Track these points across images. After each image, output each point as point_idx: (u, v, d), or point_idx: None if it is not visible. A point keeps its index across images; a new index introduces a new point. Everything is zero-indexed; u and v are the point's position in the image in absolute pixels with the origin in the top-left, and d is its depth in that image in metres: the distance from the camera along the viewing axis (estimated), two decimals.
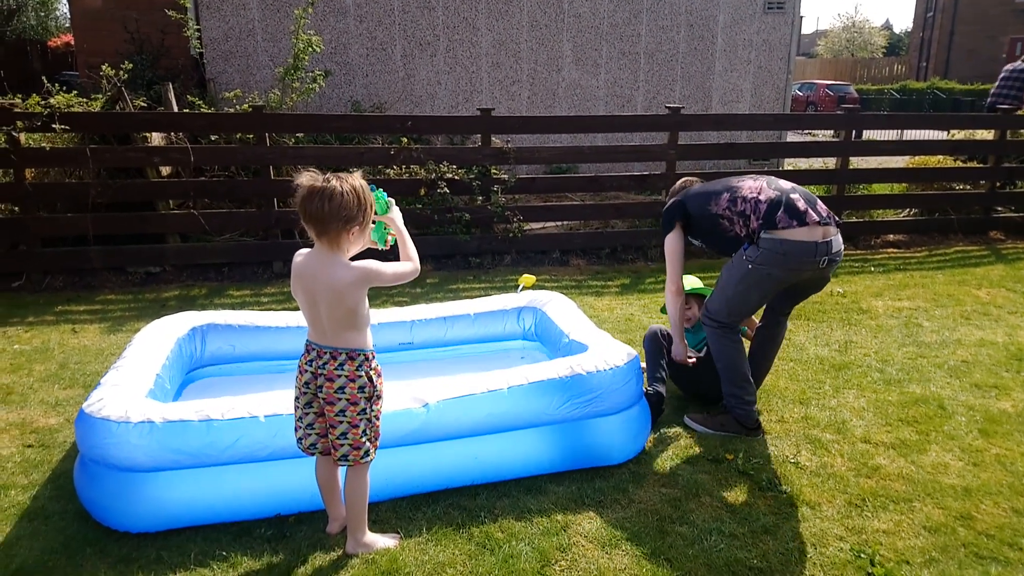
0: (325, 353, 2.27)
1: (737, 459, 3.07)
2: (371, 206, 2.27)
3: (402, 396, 2.72)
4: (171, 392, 3.16)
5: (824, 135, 14.41)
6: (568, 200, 7.50)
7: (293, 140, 6.48)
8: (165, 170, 6.18)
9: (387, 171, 6.34)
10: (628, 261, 6.65)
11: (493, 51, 8.36)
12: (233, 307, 5.27)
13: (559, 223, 6.98)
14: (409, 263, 2.39)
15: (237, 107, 6.41)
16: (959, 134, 8.54)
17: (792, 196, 3.06)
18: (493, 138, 6.30)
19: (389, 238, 2.49)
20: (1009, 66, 9.13)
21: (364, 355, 2.30)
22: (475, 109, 8.29)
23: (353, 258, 2.28)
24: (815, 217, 3.00)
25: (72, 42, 12.77)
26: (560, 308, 3.82)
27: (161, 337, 3.30)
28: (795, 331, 4.78)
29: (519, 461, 2.87)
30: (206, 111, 6.37)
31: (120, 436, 2.44)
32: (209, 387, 3.51)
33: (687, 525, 2.61)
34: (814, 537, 2.57)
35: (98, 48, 7.98)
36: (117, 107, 6.20)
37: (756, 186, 3.15)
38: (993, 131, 7.53)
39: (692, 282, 3.96)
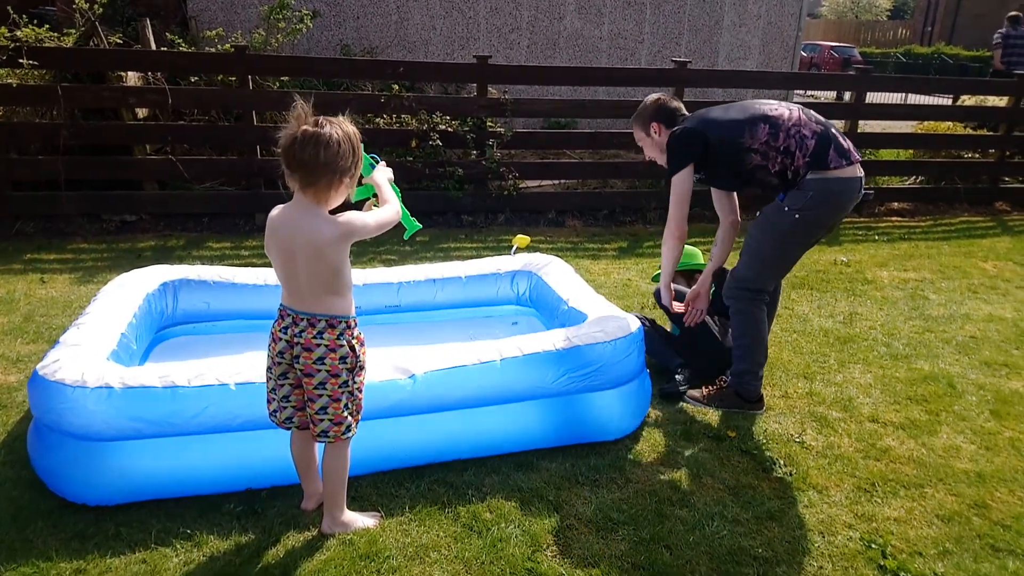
0: (302, 320, 2.05)
1: (740, 437, 2.91)
2: (361, 154, 2.04)
3: (386, 366, 2.52)
4: (138, 353, 2.95)
5: (826, 97, 14.06)
6: (565, 157, 7.21)
7: (278, 84, 6.14)
8: (141, 112, 5.84)
9: (376, 120, 6.02)
10: (626, 223, 6.41)
11: None
12: (212, 260, 5.03)
13: (555, 182, 6.71)
14: (389, 207, 2.18)
15: (219, 47, 6.05)
16: (969, 100, 8.27)
17: (834, 131, 2.84)
18: (490, 88, 5.98)
19: (372, 201, 2.29)
20: (1003, 30, 8.95)
21: (346, 322, 2.08)
22: (471, 57, 7.96)
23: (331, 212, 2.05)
24: (857, 156, 2.84)
25: None
26: (558, 273, 3.60)
27: (129, 292, 3.07)
28: (798, 301, 4.61)
29: (510, 435, 2.69)
30: (185, 50, 6.00)
31: (75, 401, 2.23)
32: (180, 347, 3.30)
33: (687, 508, 2.45)
34: (822, 524, 2.42)
35: None
36: (91, 44, 5.83)
37: (795, 117, 2.81)
38: (1006, 97, 7.26)
39: (690, 254, 3.74)
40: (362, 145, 2.04)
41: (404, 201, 2.29)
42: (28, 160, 5.40)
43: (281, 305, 2.12)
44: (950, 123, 7.62)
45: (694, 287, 3.33)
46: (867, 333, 4.09)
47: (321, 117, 1.95)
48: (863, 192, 2.86)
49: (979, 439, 2.98)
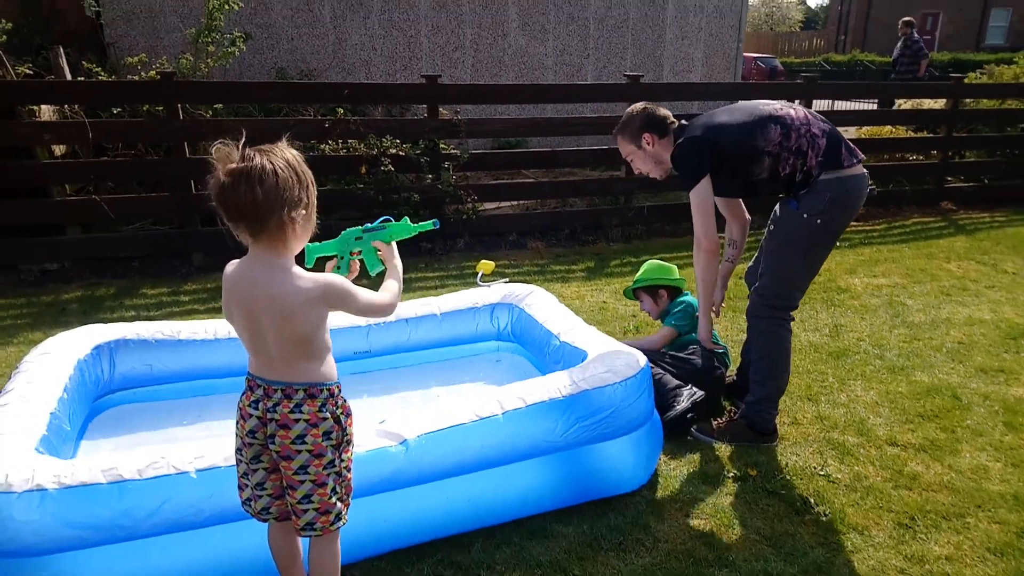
0: (275, 391, 1.70)
1: (762, 475, 2.68)
2: (312, 183, 1.69)
3: (372, 431, 2.18)
4: (73, 433, 2.51)
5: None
6: (521, 178, 6.98)
7: (210, 112, 5.69)
8: (59, 149, 5.30)
9: (321, 147, 5.64)
10: (589, 242, 6.20)
11: (433, 13, 7.68)
12: (148, 309, 4.54)
13: (513, 203, 6.46)
14: (387, 294, 1.84)
15: (143, 74, 5.57)
16: (905, 104, 8.48)
17: (838, 129, 2.74)
18: (440, 109, 5.70)
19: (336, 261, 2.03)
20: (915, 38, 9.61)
21: (328, 390, 1.74)
22: (416, 77, 7.65)
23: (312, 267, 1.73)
24: (860, 154, 2.73)
25: None
26: (541, 304, 3.32)
27: (57, 361, 2.63)
28: (849, 322, 4.46)
29: (517, 499, 2.37)
30: (106, 79, 5.50)
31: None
32: (122, 419, 2.87)
33: (728, 568, 2.19)
34: (873, 572, 2.19)
35: None
36: None
37: (801, 115, 2.68)
38: (945, 100, 7.44)
39: (652, 270, 3.57)
40: (386, 218, 1.84)
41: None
42: None
43: (248, 375, 1.76)
44: (891, 127, 7.75)
45: (700, 327, 3.15)
46: (856, 345, 3.96)
47: (248, 149, 1.60)
48: (869, 189, 2.76)
49: (1003, 456, 2.84)
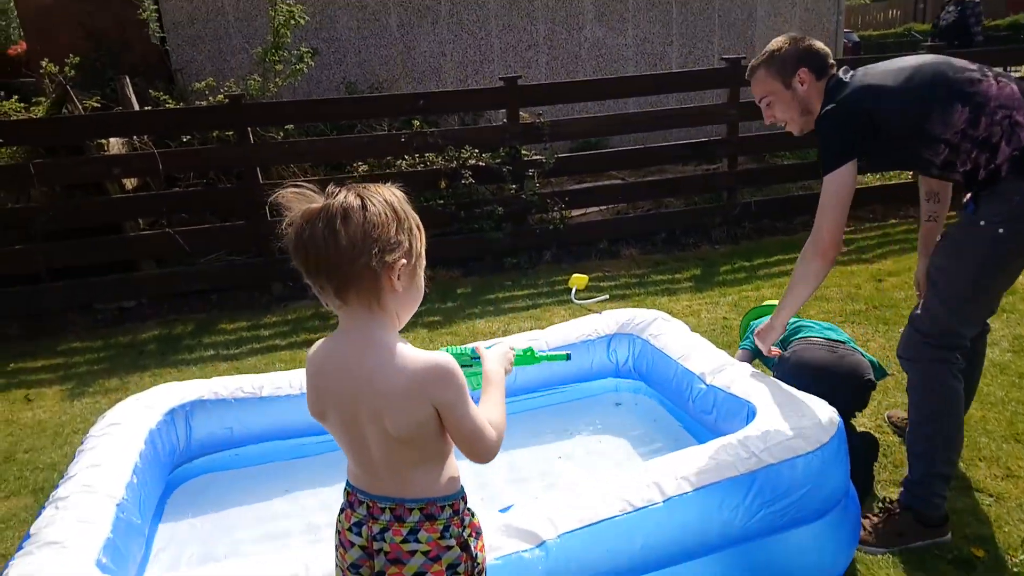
0: (382, 511, 1.25)
1: (991, 556, 2.08)
2: (419, 228, 1.27)
3: (493, 524, 1.71)
4: (144, 524, 2.14)
5: None
6: (607, 180, 6.44)
7: (281, 134, 5.40)
8: (129, 183, 5.11)
9: (397, 162, 5.27)
10: (690, 246, 5.60)
11: (503, 12, 7.21)
12: (227, 345, 4.25)
13: (601, 208, 5.92)
14: (493, 432, 1.29)
15: (211, 99, 5.33)
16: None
17: None
18: (520, 112, 5.23)
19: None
20: None
21: (451, 506, 1.28)
22: (489, 81, 7.22)
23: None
24: None
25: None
26: (672, 334, 2.79)
27: (125, 435, 2.28)
28: None
29: None
30: (172, 106, 5.29)
31: None
32: (202, 492, 2.52)
33: None
34: None
35: (51, 49, 6.82)
36: (64, 111, 5.11)
37: (1004, 93, 2.00)
38: None
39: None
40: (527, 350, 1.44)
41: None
42: (2, 252, 4.64)
43: (348, 485, 1.32)
44: None
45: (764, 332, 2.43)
46: None
47: (332, 186, 1.21)
48: None
49: None
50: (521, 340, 2.94)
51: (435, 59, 7.22)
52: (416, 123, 5.20)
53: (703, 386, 2.45)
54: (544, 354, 1.66)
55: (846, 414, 2.61)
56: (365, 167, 5.11)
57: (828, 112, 2.13)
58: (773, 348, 2.55)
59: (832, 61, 2.23)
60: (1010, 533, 2.18)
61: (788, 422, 1.98)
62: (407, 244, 1.22)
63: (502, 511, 1.84)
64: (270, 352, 4.10)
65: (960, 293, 2.08)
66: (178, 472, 2.56)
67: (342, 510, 1.33)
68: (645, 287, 4.78)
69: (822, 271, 2.19)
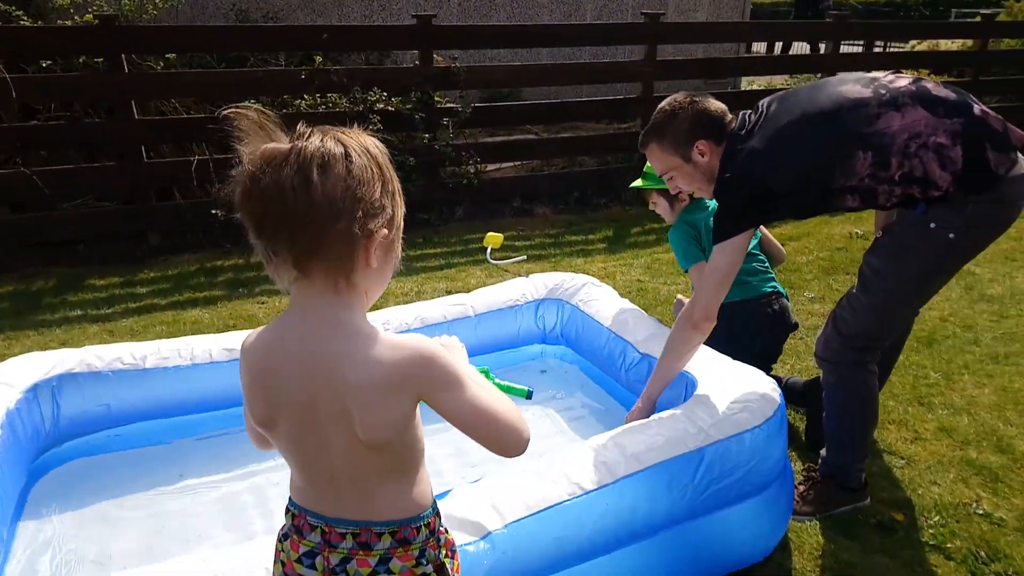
0: (342, 536, 1.02)
1: (909, 520, 2.14)
2: (400, 193, 1.03)
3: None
4: (5, 514, 1.81)
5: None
6: (521, 134, 6.23)
7: (161, 64, 4.79)
8: None
9: (296, 103, 4.82)
10: (602, 206, 5.55)
11: None
12: (97, 303, 3.77)
13: (515, 163, 5.73)
14: (512, 408, 1.06)
15: (76, 19, 4.63)
16: (920, 45, 7.90)
17: (978, 112, 1.85)
18: (435, 55, 4.90)
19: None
20: None
21: (426, 524, 1.08)
22: (402, 18, 6.76)
23: None
24: (1018, 133, 1.89)
25: None
26: (603, 301, 2.68)
27: None
28: (842, 291, 3.90)
29: None
30: (30, 24, 4.54)
31: None
32: (76, 480, 2.18)
33: None
34: None
35: None
36: None
37: (914, 120, 1.80)
38: (973, 40, 6.86)
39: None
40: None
41: None
42: None
43: (292, 505, 1.07)
44: (923, 71, 7.16)
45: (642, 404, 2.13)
46: (943, 328, 3.43)
47: (304, 127, 0.95)
48: None
49: None
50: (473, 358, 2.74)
51: None
52: (318, 60, 4.76)
53: (637, 355, 2.37)
54: (502, 384, 1.35)
55: (769, 358, 2.63)
56: (259, 105, 4.61)
57: (724, 182, 1.98)
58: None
59: (728, 118, 2.07)
60: (924, 496, 2.25)
61: (732, 395, 1.92)
62: (390, 211, 0.99)
63: (438, 497, 1.66)
64: (148, 312, 3.66)
65: (896, 297, 2.00)
66: (45, 458, 2.21)
67: (285, 536, 1.08)
68: (560, 248, 4.67)
69: (696, 342, 2.04)
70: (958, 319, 3.52)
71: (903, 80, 1.91)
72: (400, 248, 1.05)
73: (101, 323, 3.53)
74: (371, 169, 0.95)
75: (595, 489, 1.65)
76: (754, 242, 2.60)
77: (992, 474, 2.35)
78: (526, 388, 1.45)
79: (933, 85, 1.91)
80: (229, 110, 0.93)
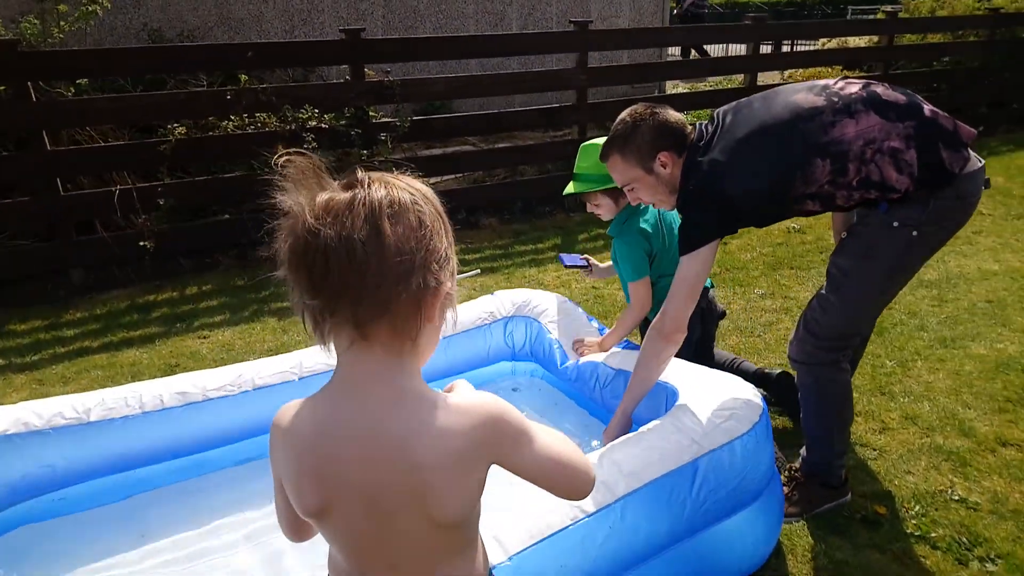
0: None
1: (892, 512, 2.18)
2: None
3: None
4: None
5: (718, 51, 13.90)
6: (459, 146, 6.16)
7: (72, 90, 4.48)
8: None
9: (223, 123, 4.60)
10: (546, 215, 5.53)
11: None
12: (21, 351, 3.48)
13: (456, 175, 5.65)
14: (574, 447, 0.98)
15: None
16: (829, 43, 8.27)
17: (928, 112, 1.91)
18: (367, 70, 4.77)
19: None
20: None
21: None
22: (325, 33, 6.57)
23: None
24: (967, 130, 1.94)
25: None
26: (565, 316, 2.65)
27: None
28: (790, 286, 4.01)
29: None
30: None
31: None
32: (20, 553, 1.95)
33: None
34: None
35: None
36: None
37: (867, 126, 1.84)
38: (878, 36, 7.23)
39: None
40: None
41: None
42: None
43: None
44: (832, 68, 7.50)
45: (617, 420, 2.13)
46: (890, 316, 3.55)
47: (362, 172, 0.85)
48: (985, 180, 2.01)
49: None
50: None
51: (256, 5, 6.43)
52: (244, 79, 4.56)
53: (611, 370, 2.33)
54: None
55: (707, 346, 2.66)
56: (182, 129, 4.38)
57: (688, 194, 1.99)
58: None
59: (688, 129, 2.07)
60: (901, 486, 2.30)
61: (715, 403, 1.90)
62: (452, 261, 0.89)
63: None
64: (79, 357, 3.40)
65: (866, 295, 2.03)
66: None
67: None
68: (511, 259, 4.62)
69: (668, 354, 2.03)
70: (902, 306, 3.66)
71: (854, 86, 1.95)
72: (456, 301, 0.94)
73: (28, 372, 3.25)
74: (437, 217, 0.87)
75: (597, 511, 1.59)
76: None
77: (960, 459, 2.42)
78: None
79: (883, 89, 1.94)
80: (281, 157, 0.83)
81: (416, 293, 0.83)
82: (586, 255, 2.86)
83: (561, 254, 2.85)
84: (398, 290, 0.81)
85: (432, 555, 0.91)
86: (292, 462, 0.88)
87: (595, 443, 2.30)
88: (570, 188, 2.66)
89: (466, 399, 0.89)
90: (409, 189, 0.85)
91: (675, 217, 2.53)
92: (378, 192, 0.82)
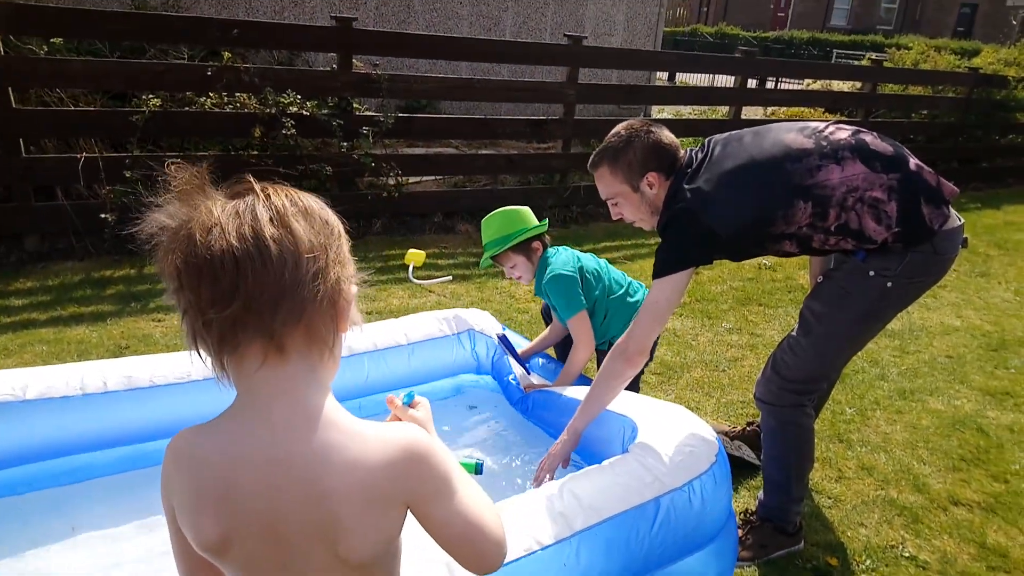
0: None
1: (843, 564, 2.17)
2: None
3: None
4: None
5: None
6: (441, 148, 6.09)
7: (44, 48, 4.30)
8: None
9: (201, 99, 4.46)
10: None
11: None
12: None
13: (437, 178, 5.58)
14: (496, 520, 0.92)
15: None
16: (814, 84, 8.42)
17: (912, 165, 1.92)
18: (354, 61, 4.69)
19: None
20: None
21: None
22: (315, 19, 6.46)
23: None
24: (949, 188, 1.96)
25: None
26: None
27: None
28: (757, 323, 4.03)
29: None
30: None
31: None
32: None
33: None
34: None
35: None
36: None
37: (851, 174, 1.85)
38: (861, 83, 7.37)
39: (509, 221, 2.53)
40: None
41: None
42: None
43: None
44: (816, 109, 7.62)
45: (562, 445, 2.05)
46: (853, 363, 3.57)
47: (250, 180, 0.81)
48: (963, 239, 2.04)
49: None
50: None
51: None
52: (227, 56, 4.43)
53: (562, 397, 2.29)
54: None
55: (636, 383, 2.66)
56: (157, 101, 4.23)
57: (668, 220, 1.97)
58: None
59: (681, 153, 2.06)
60: (853, 538, 2.30)
61: (676, 440, 1.87)
62: (352, 266, 0.86)
63: None
64: (25, 329, 3.25)
65: (837, 341, 2.03)
66: None
67: None
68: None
69: (627, 376, 2.00)
70: (865, 354, 3.70)
71: (843, 132, 1.96)
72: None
73: None
74: (337, 220, 0.85)
75: (552, 544, 1.54)
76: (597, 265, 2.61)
77: (912, 514, 2.43)
78: (475, 462, 1.33)
79: (871, 138, 1.96)
80: (174, 164, 0.78)
81: (331, 294, 0.79)
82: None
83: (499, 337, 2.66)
84: (314, 290, 0.77)
85: None
86: (190, 491, 0.81)
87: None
88: (484, 260, 2.60)
89: (389, 428, 0.84)
90: (305, 194, 0.83)
91: (596, 261, 2.63)
92: (278, 195, 0.79)
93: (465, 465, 1.28)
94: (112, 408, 2.09)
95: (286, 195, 0.79)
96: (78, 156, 4.03)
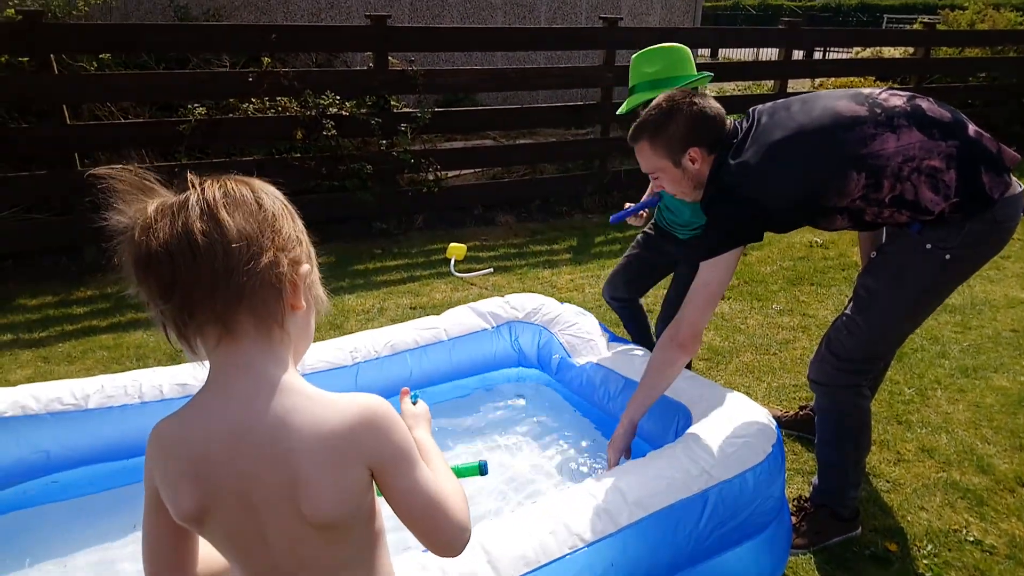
0: None
1: (903, 549, 2.10)
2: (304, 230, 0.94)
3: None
4: None
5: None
6: (479, 140, 6.09)
7: (94, 64, 4.46)
8: None
9: (244, 106, 4.57)
10: (563, 215, 5.46)
11: None
12: (29, 327, 3.47)
13: (475, 171, 5.58)
14: (461, 501, 0.95)
15: None
16: (863, 52, 8.10)
17: (972, 132, 1.82)
18: (390, 58, 4.72)
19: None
20: None
21: None
22: (352, 18, 6.53)
23: None
24: (1011, 154, 1.86)
25: None
26: (583, 328, 2.58)
27: None
28: (809, 303, 3.92)
29: None
30: None
31: None
32: (10, 539, 1.93)
33: None
34: None
35: None
36: None
37: (908, 143, 1.75)
38: (914, 48, 7.05)
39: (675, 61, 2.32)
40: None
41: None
42: None
43: None
44: (868, 78, 7.34)
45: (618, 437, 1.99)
46: (911, 341, 3.44)
47: (193, 175, 0.86)
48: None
49: None
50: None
51: None
52: (266, 61, 4.52)
53: (620, 381, 2.27)
54: (453, 466, 1.16)
55: None
56: (202, 109, 4.35)
57: (714, 198, 1.91)
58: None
59: (726, 124, 1.95)
60: (913, 523, 2.22)
61: (730, 429, 1.83)
62: (305, 244, 0.90)
63: (426, 550, 1.52)
64: (86, 336, 3.39)
65: (895, 318, 1.94)
66: None
67: None
68: (525, 259, 4.55)
69: (681, 363, 1.95)
70: (924, 331, 3.55)
71: (898, 99, 1.86)
72: (323, 290, 0.95)
73: (34, 348, 3.24)
74: (278, 202, 0.88)
75: (597, 540, 1.53)
76: None
77: (977, 497, 2.33)
78: (478, 463, 1.32)
79: (928, 104, 1.86)
80: (100, 170, 0.83)
81: (270, 276, 0.82)
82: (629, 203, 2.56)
83: (612, 217, 2.53)
84: (249, 273, 0.81)
85: (314, 564, 0.87)
86: (168, 468, 0.86)
87: (596, 457, 2.24)
88: (631, 103, 2.41)
89: (350, 395, 0.87)
90: (246, 181, 0.86)
91: None
92: (212, 188, 0.83)
93: (467, 467, 1.30)
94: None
95: (220, 187, 0.83)
96: (130, 166, 4.16)
